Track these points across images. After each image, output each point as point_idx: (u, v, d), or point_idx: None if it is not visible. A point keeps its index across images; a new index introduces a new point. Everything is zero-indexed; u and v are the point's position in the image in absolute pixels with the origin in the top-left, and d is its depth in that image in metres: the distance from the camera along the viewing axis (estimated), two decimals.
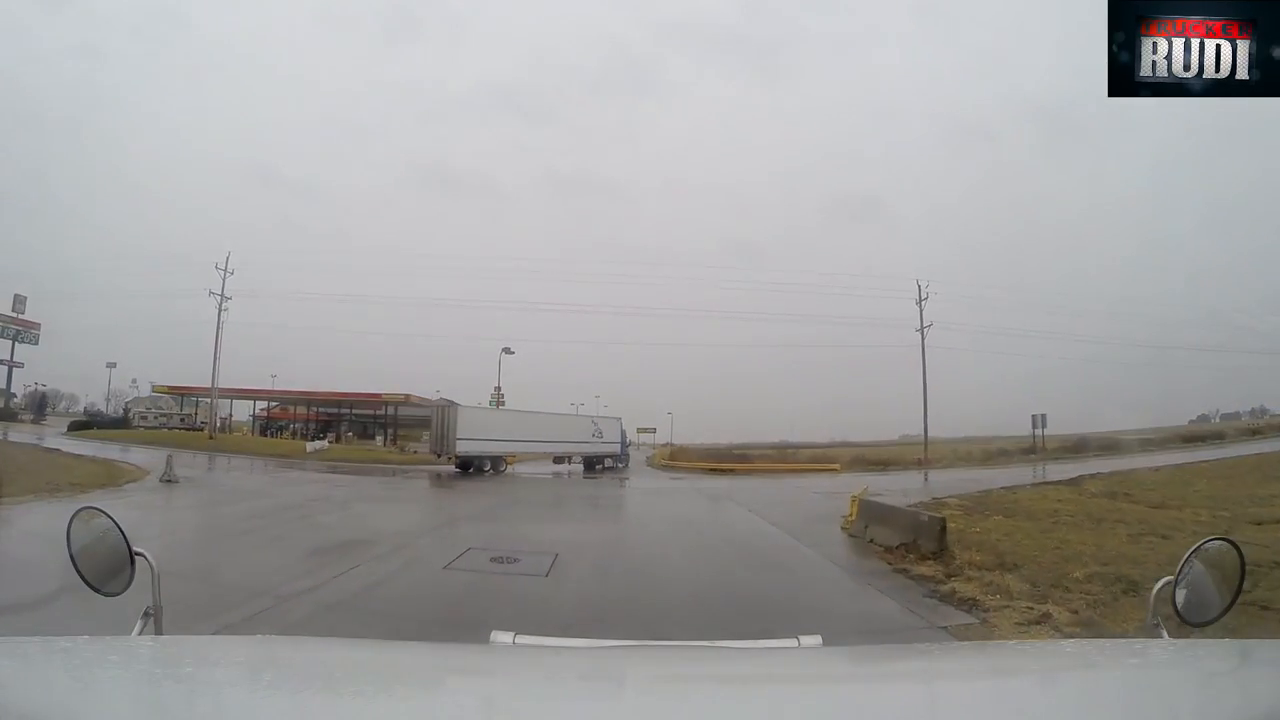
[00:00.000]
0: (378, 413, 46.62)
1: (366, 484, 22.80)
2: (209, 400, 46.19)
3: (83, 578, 1.58)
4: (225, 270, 41.56)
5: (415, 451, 41.33)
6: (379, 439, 45.58)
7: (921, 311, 40.74)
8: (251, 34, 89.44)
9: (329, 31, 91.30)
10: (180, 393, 47.10)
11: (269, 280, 75.71)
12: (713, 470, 37.16)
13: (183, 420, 46.90)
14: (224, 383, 44.03)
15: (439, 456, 29.59)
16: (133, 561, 1.60)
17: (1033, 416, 38.17)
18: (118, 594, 1.59)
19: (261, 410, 51.66)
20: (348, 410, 48.41)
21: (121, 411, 53.04)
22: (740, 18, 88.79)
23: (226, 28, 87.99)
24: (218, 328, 40.81)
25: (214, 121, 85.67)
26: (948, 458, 37.39)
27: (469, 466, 28.89)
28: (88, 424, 48.03)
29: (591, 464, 36.10)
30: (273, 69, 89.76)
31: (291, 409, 50.18)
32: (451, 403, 30.84)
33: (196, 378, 43.73)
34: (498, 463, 30.36)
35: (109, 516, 1.63)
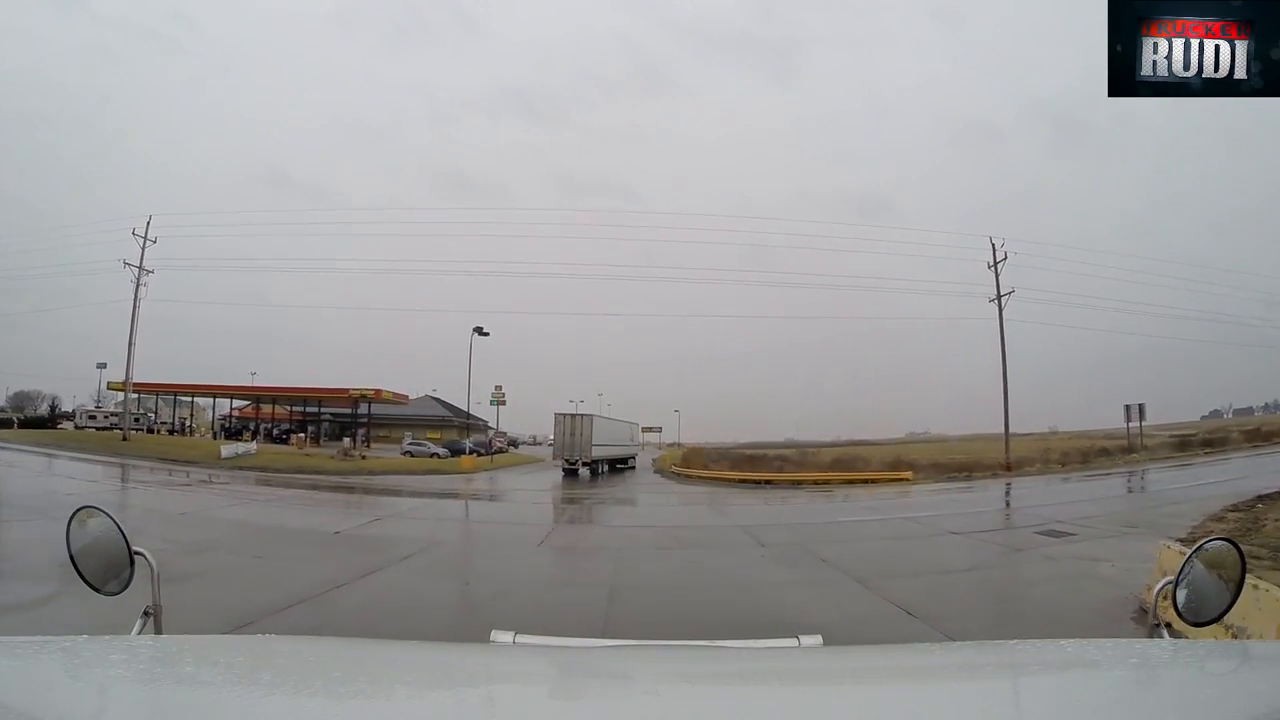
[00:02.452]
0: (355, 411, 43.39)
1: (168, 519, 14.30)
2: (172, 399, 44.37)
3: (83, 577, 1.58)
4: (145, 238, 35.50)
5: (363, 457, 34.98)
6: (347, 440, 40.91)
7: (998, 276, 34.17)
8: (260, 35, 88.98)
9: (340, 32, 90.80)
10: (139, 390, 42.73)
11: (269, 278, 75.40)
12: (742, 481, 29.39)
13: (137, 420, 43.52)
14: (204, 379, 42.38)
15: (570, 462, 31.62)
16: (132, 561, 1.60)
17: (1126, 407, 32.86)
18: (117, 593, 1.59)
19: (236, 409, 48.94)
20: (315, 408, 44.92)
21: (48, 409, 50.41)
22: (754, 20, 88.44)
23: (234, 29, 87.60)
24: (134, 304, 35.40)
25: (221, 121, 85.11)
26: (1035, 459, 31.30)
27: (583, 468, 31.60)
28: (8, 422, 46.25)
29: (615, 465, 38.13)
30: (280, 69, 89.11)
31: (258, 407, 47.13)
32: (583, 414, 33.16)
33: (186, 375, 42.25)
34: (603, 465, 33.30)
35: (109, 516, 1.63)
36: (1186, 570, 1.57)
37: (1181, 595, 1.55)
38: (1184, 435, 36.41)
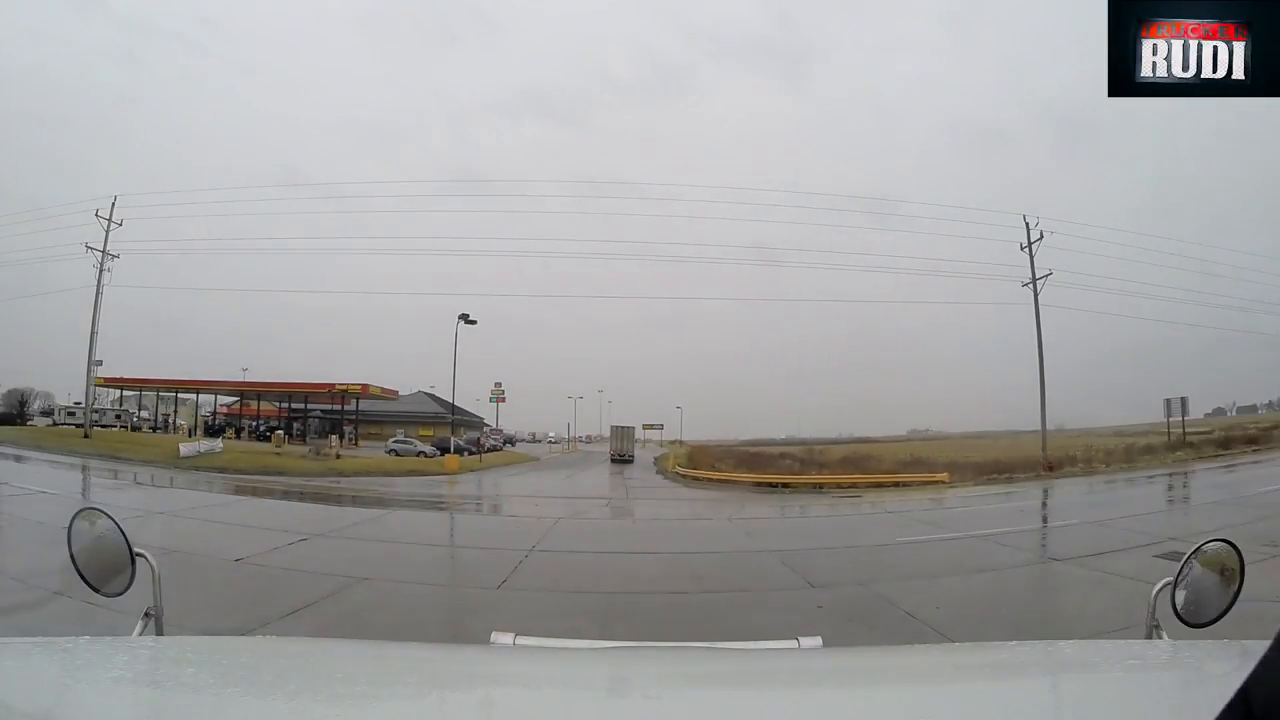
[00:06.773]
0: (341, 407, 41.43)
1: None
2: (155, 395, 43.23)
3: (83, 578, 1.58)
4: (109, 220, 33.29)
5: (338, 456, 31.96)
6: (334, 438, 37.95)
7: (1032, 256, 31.95)
8: (278, 39, 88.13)
9: (358, 37, 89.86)
10: (116, 384, 41.14)
11: (275, 276, 74.97)
12: (757, 484, 27.24)
13: (118, 417, 41.83)
14: (194, 377, 41.42)
15: (620, 456, 41.71)
16: (134, 562, 1.60)
17: (1167, 401, 30.98)
18: (118, 594, 1.59)
19: (223, 406, 46.80)
20: (301, 404, 42.77)
21: (15, 406, 50.03)
22: (772, 26, 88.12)
23: (256, 32, 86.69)
24: (97, 292, 33.35)
25: (237, 124, 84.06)
26: (1075, 458, 28.93)
27: (623, 460, 41.31)
28: None
29: (621, 462, 41.99)
30: (298, 72, 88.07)
31: (243, 404, 45.08)
32: (627, 425, 44.15)
33: (177, 372, 40.83)
34: (632, 457, 42.88)
35: (110, 517, 1.63)
36: (1185, 571, 1.57)
37: (1180, 596, 1.55)
38: (1201, 432, 34.13)
